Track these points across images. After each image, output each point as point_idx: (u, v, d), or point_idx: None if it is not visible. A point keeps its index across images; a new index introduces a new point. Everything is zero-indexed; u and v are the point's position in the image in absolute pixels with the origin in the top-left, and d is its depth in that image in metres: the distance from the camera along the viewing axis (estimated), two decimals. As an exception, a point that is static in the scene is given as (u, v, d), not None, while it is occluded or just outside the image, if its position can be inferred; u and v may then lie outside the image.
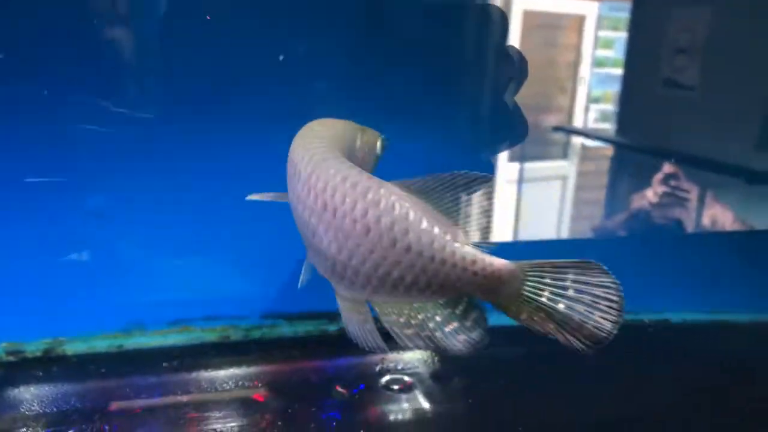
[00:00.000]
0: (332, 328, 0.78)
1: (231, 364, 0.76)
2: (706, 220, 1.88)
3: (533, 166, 3.00)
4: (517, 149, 2.68)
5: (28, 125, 0.74)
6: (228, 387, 0.72)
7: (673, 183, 2.03)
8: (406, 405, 0.67)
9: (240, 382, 0.73)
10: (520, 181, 2.56)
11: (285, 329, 0.79)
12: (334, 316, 0.78)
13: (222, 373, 0.75)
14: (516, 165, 2.63)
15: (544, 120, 3.27)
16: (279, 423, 0.65)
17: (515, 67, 0.78)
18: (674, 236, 1.72)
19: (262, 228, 0.74)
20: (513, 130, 0.76)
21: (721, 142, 1.95)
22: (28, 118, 0.74)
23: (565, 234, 3.01)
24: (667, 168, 2.02)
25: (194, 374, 0.75)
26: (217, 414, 0.67)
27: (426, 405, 0.66)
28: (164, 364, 0.76)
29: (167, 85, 0.75)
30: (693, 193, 1.93)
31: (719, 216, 1.91)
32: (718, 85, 2.02)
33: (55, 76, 0.72)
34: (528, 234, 2.49)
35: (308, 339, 0.79)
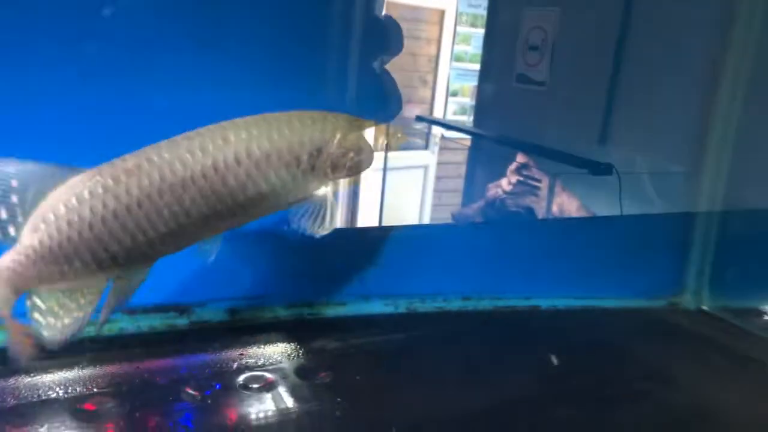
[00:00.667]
0: (182, 321, 0.70)
1: (59, 368, 0.65)
2: (554, 208, 1.99)
3: (396, 155, 3.04)
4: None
5: None
6: (55, 395, 0.61)
7: (525, 173, 2.13)
8: (267, 405, 0.61)
9: (70, 389, 0.62)
10: (384, 169, 2.57)
11: (125, 324, 0.69)
12: (184, 308, 0.69)
13: (48, 379, 0.63)
14: (380, 154, 2.64)
15: (407, 111, 3.31)
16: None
17: (390, 38, 0.74)
18: (533, 224, 1.80)
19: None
20: (388, 102, 0.72)
21: (568, 136, 2.08)
22: None
23: (426, 220, 3.08)
24: (520, 158, 2.12)
25: (12, 381, 0.63)
26: (39, 428, 0.56)
27: (289, 404, 0.60)
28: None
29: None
30: (543, 183, 2.04)
31: (566, 204, 2.04)
32: (566, 81, 2.14)
33: None
34: (392, 220, 2.51)
35: (153, 335, 0.69)
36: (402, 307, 0.70)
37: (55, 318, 0.52)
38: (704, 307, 0.79)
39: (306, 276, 0.72)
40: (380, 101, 0.69)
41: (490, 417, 0.59)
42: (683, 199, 1.06)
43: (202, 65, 0.68)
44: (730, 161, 0.95)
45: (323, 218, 0.54)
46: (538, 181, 2.08)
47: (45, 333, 0.51)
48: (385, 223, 2.47)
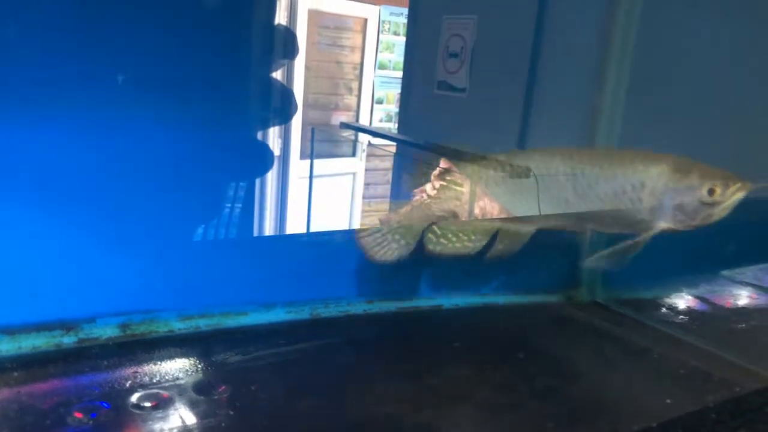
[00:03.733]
0: (69, 339, 0.65)
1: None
2: (477, 211, 2.02)
3: (324, 163, 3.02)
4: (307, 146, 2.65)
5: None
6: None
7: (448, 177, 2.16)
8: (161, 424, 0.57)
9: (-62, 420, 0.56)
10: (311, 177, 2.55)
11: (4, 346, 0.63)
12: (71, 325, 0.64)
13: None
14: (307, 162, 2.61)
15: (332, 118, 3.31)
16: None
17: (284, 44, 0.72)
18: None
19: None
20: (283, 109, 0.70)
21: (489, 140, 2.12)
22: None
23: (356, 225, 3.07)
24: (443, 164, 2.14)
25: None
26: None
27: (186, 421, 0.57)
28: None
29: None
30: (466, 187, 2.07)
31: (488, 207, 2.08)
32: (485, 87, 2.19)
33: None
34: (320, 227, 2.48)
35: (36, 356, 0.64)
36: (305, 313, 0.68)
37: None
38: (599, 300, 0.82)
39: (203, 285, 0.68)
40: (276, 107, 0.67)
41: (393, 422, 0.57)
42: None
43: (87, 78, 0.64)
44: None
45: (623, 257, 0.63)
46: (461, 185, 2.11)
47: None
48: (313, 229, 2.44)
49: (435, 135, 2.26)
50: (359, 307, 0.69)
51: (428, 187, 2.39)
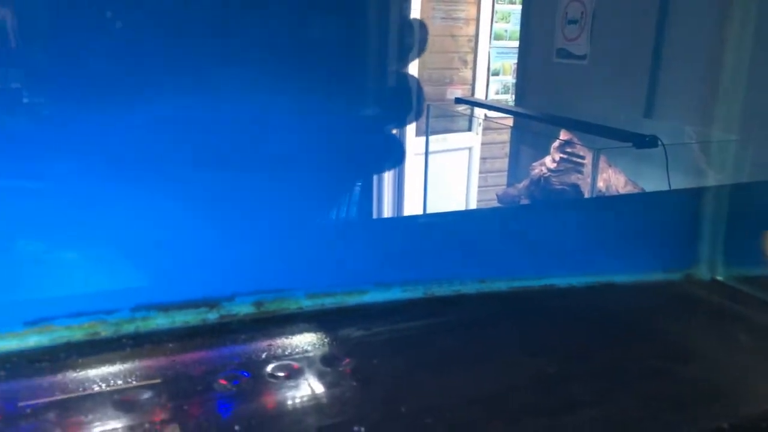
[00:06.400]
0: (212, 316, 0.73)
1: (101, 363, 0.69)
2: (600, 184, 1.95)
3: (439, 138, 3.03)
4: (422, 122, 2.68)
5: None
6: (98, 388, 0.65)
7: (568, 149, 2.09)
8: (293, 392, 0.63)
9: (111, 382, 0.66)
10: (427, 153, 2.58)
11: (160, 321, 0.73)
12: (213, 303, 0.73)
13: (91, 374, 0.68)
14: (422, 138, 2.64)
15: (447, 93, 3.29)
16: (157, 422, 0.60)
17: (415, 39, 0.74)
18: (563, 203, 1.78)
19: (125, 211, 0.68)
20: (412, 104, 0.73)
21: (612, 109, 2.02)
22: None
23: (472, 202, 3.06)
24: (563, 135, 2.08)
25: (60, 376, 0.68)
26: (88, 417, 0.61)
27: (315, 390, 0.62)
28: (25, 368, 0.68)
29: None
30: (587, 159, 2.00)
31: (612, 179, 1.99)
32: (608, 53, 2.08)
33: None
34: (437, 203, 2.51)
35: (186, 330, 0.73)
36: (419, 292, 0.72)
37: None
38: (719, 278, 0.77)
39: (326, 266, 0.74)
40: (403, 102, 0.70)
41: (505, 398, 0.59)
42: (735, 168, 1.03)
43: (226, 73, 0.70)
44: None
45: None
46: (582, 157, 2.04)
47: None
48: (429, 208, 2.48)
49: (554, 105, 2.19)
50: (472, 287, 0.71)
51: (548, 159, 2.32)
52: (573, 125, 2.08)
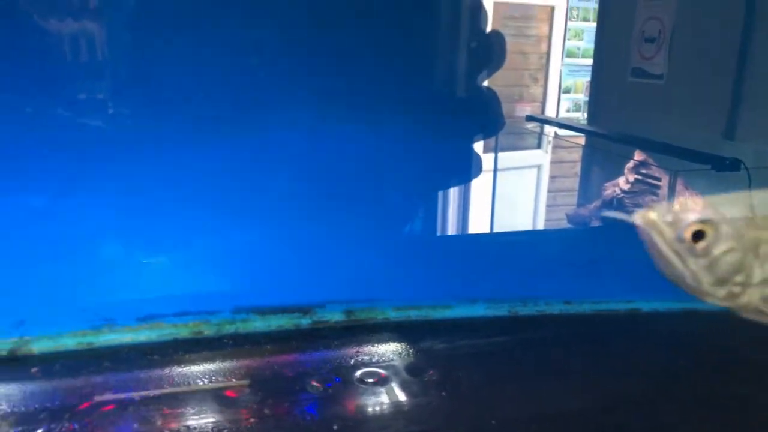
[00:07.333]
0: (305, 321, 0.78)
1: (204, 360, 0.75)
2: (676, 205, 1.90)
3: (508, 156, 3.02)
4: (491, 140, 2.69)
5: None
6: (201, 383, 0.71)
7: (643, 170, 2.05)
8: (381, 398, 0.67)
9: (213, 378, 0.72)
10: (495, 170, 2.58)
11: (258, 324, 0.78)
12: (307, 309, 0.77)
13: (195, 369, 0.73)
14: (491, 155, 2.65)
15: (517, 110, 3.29)
16: (254, 419, 0.65)
17: (495, 54, 0.78)
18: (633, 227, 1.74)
19: (230, 222, 0.74)
20: (491, 119, 0.76)
21: (689, 130, 1.98)
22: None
23: (540, 221, 3.04)
24: (638, 156, 2.04)
25: (166, 370, 0.74)
26: (190, 410, 0.66)
27: (401, 398, 0.66)
28: (136, 361, 0.75)
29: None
30: (663, 181, 1.96)
31: (689, 201, 1.94)
32: (686, 73, 2.04)
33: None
34: (504, 221, 2.51)
35: (281, 333, 0.78)
36: (504, 310, 0.74)
37: None
38: None
39: (414, 280, 0.77)
40: (484, 116, 0.74)
41: (588, 416, 0.61)
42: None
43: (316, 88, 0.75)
44: None
45: None
46: (658, 179, 1.99)
47: None
48: (496, 225, 2.47)
49: (628, 125, 2.16)
50: (556, 307, 0.72)
51: (621, 180, 2.28)
52: (649, 146, 2.04)
